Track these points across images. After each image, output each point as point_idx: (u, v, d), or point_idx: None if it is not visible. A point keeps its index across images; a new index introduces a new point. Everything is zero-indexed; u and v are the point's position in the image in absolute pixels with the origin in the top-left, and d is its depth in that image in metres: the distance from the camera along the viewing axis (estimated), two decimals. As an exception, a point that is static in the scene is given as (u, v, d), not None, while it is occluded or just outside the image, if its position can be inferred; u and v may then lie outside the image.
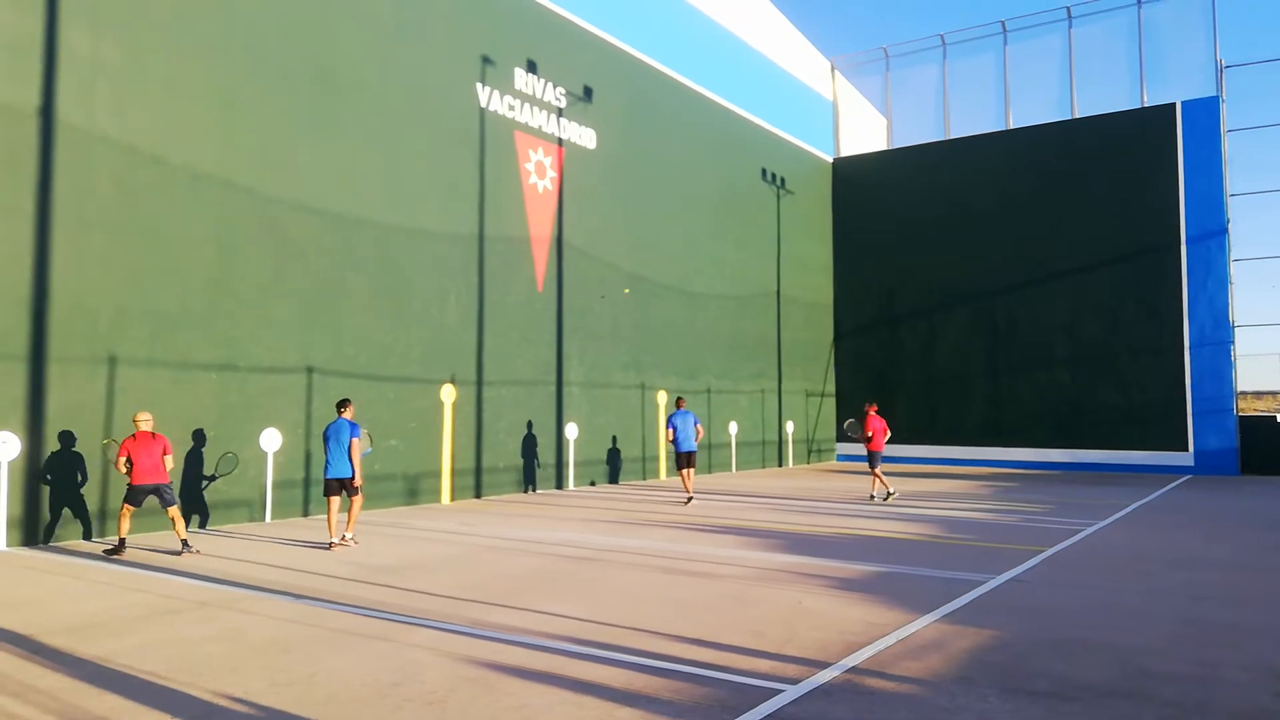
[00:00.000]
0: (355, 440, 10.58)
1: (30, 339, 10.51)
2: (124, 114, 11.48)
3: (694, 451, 15.76)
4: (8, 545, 10.19)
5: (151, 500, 10.07)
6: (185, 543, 9.94)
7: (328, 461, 10.56)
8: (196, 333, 12.12)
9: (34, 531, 10.46)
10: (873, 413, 17.00)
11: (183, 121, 12.11)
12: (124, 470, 9.89)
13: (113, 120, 11.37)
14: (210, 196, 12.38)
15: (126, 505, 9.96)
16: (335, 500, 10.55)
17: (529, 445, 17.59)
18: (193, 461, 12.03)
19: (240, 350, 12.63)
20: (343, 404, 10.87)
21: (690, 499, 15.57)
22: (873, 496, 16.65)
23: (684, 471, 15.77)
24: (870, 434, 16.64)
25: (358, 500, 10.63)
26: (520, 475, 17.45)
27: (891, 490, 16.65)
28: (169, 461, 10.07)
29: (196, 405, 12.08)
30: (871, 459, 16.68)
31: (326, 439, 10.62)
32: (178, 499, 10.39)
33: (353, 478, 10.56)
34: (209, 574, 8.76)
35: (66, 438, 10.76)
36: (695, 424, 15.79)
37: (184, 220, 12.08)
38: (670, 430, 15.70)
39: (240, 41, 12.85)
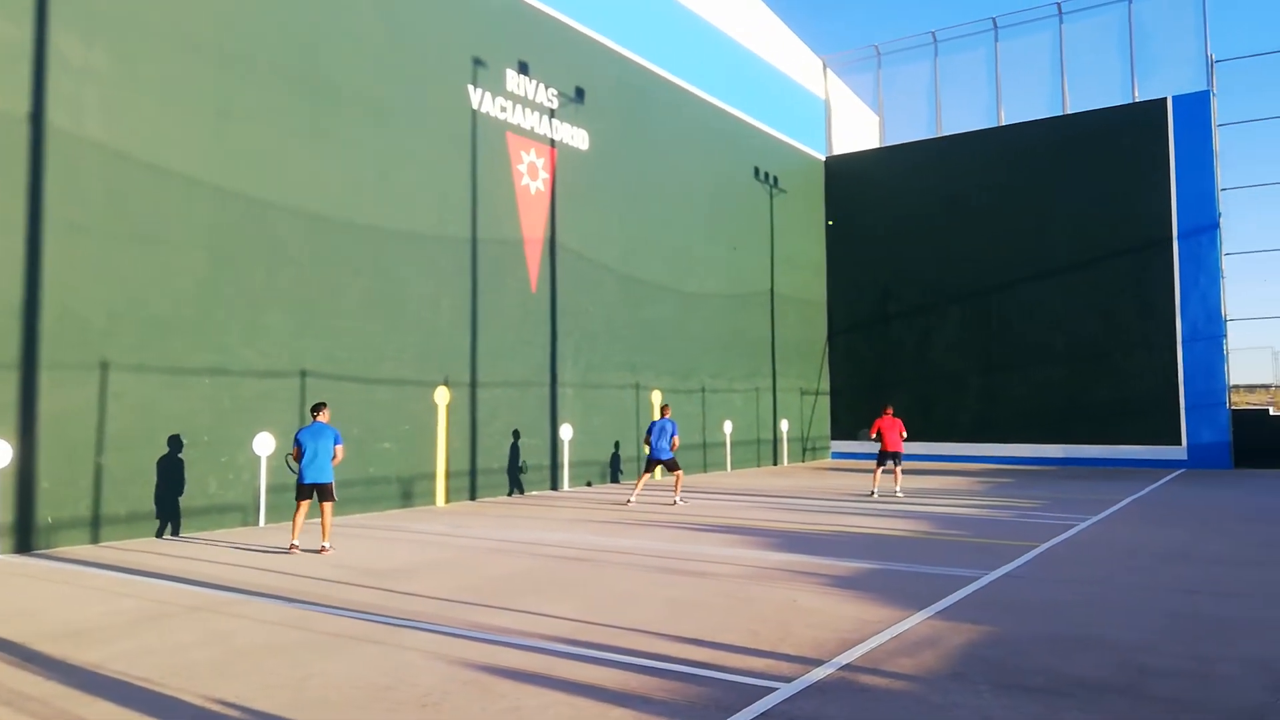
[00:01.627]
0: (339, 447, 10.51)
1: (21, 345, 10.46)
2: (115, 120, 11.45)
3: (661, 460, 15.56)
4: (1, 552, 10.15)
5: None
6: None
7: (303, 465, 10.38)
8: (189, 338, 12.09)
9: (27, 538, 10.41)
10: (888, 414, 17.13)
11: (175, 128, 12.08)
12: None
13: (103, 127, 11.33)
14: (202, 202, 12.35)
15: None
16: (305, 505, 10.45)
17: (514, 451, 17.52)
18: (168, 468, 11.97)
19: (233, 355, 12.60)
20: (318, 407, 10.74)
21: (629, 500, 15.50)
22: (890, 493, 16.72)
23: (646, 476, 15.81)
24: (875, 433, 16.91)
25: (330, 507, 10.50)
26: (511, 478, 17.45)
27: (875, 490, 16.78)
28: None
29: (189, 410, 12.04)
30: (879, 458, 16.91)
31: (301, 443, 10.38)
32: None
33: (330, 484, 10.47)
34: (200, 578, 8.73)
35: (59, 444, 10.71)
36: (673, 434, 15.65)
37: (176, 226, 12.05)
38: (648, 435, 15.73)
39: (233, 48, 12.82)
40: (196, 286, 12.25)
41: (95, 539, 11.01)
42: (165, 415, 11.78)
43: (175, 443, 11.87)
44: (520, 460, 17.57)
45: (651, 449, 15.68)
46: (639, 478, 15.86)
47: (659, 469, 15.94)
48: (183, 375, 12.00)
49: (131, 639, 6.44)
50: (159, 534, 11.72)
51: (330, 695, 5.15)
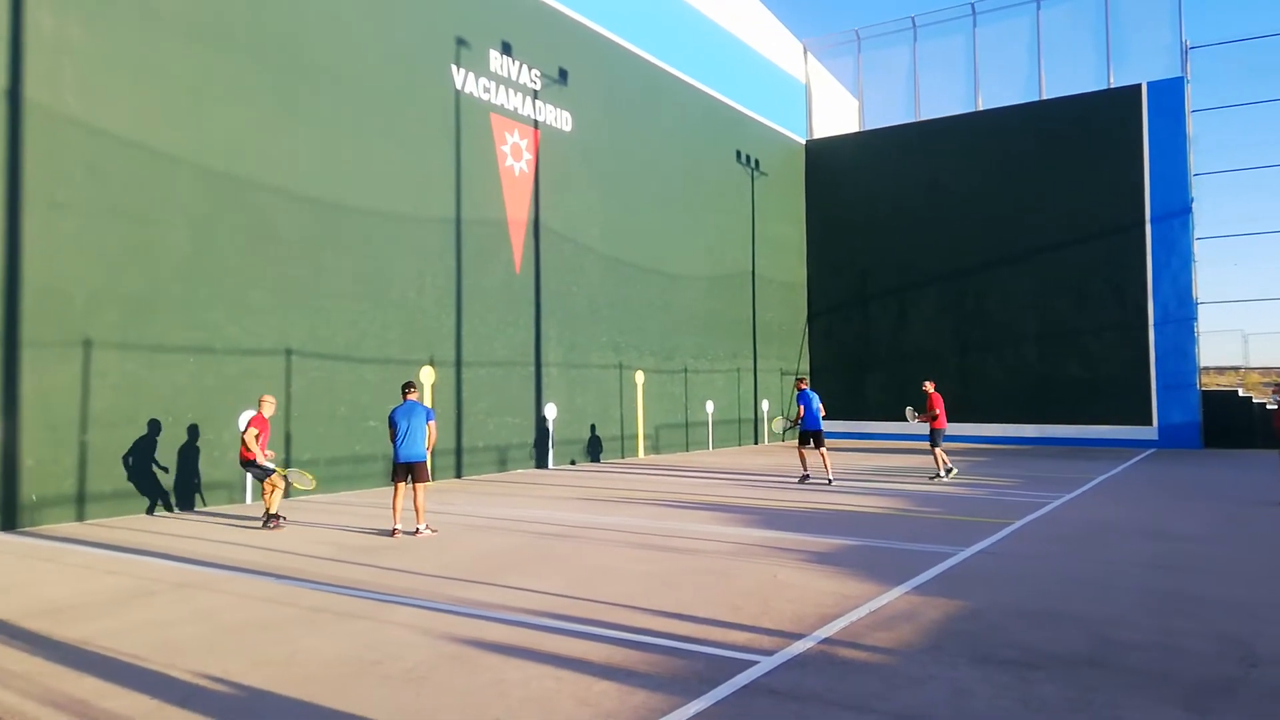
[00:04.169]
0: (433, 424, 10.26)
1: (2, 323, 10.40)
2: (93, 97, 11.34)
3: (820, 430, 15.73)
4: (-18, 531, 10.14)
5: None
6: None
7: (397, 444, 10.11)
8: (171, 316, 12.05)
9: (11, 516, 10.39)
10: (931, 389, 16.57)
11: (153, 104, 11.98)
12: None
13: (81, 103, 11.22)
14: (182, 180, 12.27)
15: None
16: (402, 486, 10.15)
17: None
18: (153, 445, 11.96)
19: (217, 333, 12.57)
20: (409, 386, 10.47)
21: (806, 477, 15.62)
22: (938, 475, 16.15)
23: (820, 450, 15.59)
24: (937, 412, 16.34)
25: (422, 488, 10.15)
26: (498, 455, 17.53)
27: (951, 466, 16.36)
28: (248, 438, 10.46)
29: (174, 388, 12.02)
30: (934, 436, 16.37)
31: (395, 421, 10.15)
32: None
33: (424, 463, 10.18)
34: (186, 555, 8.76)
35: (42, 422, 10.66)
36: (820, 403, 15.99)
37: (156, 203, 11.97)
38: (800, 408, 15.81)
39: (210, 25, 12.69)
40: (179, 264, 12.19)
41: (81, 516, 11.00)
42: (149, 393, 11.75)
43: (159, 421, 11.85)
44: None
45: (807, 419, 15.74)
46: (801, 453, 16.15)
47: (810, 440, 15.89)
48: (167, 353, 11.96)
49: (118, 616, 6.48)
50: (146, 511, 11.72)
51: (318, 670, 5.21)
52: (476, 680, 5.02)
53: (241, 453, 10.77)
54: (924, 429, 16.83)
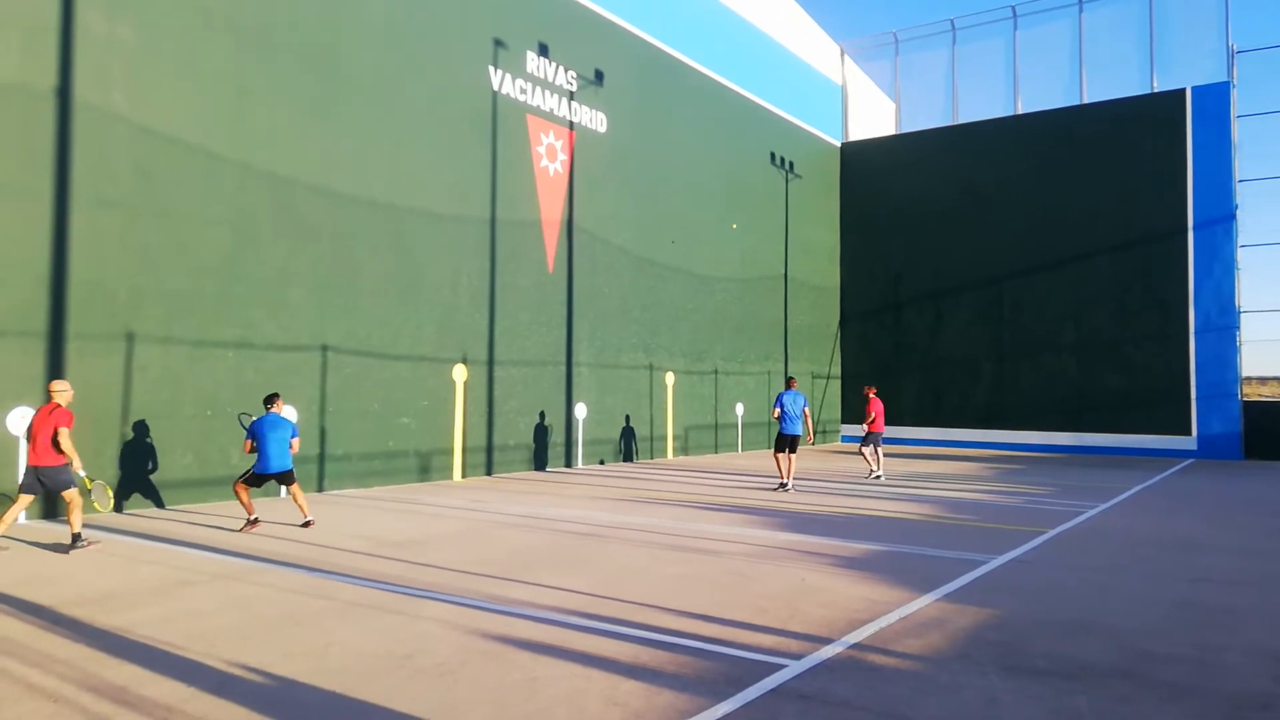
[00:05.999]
0: (295, 440, 10.40)
1: (49, 317, 10.66)
2: (140, 96, 11.58)
3: (798, 435, 14.78)
4: (27, 518, 10.37)
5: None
6: (76, 536, 8.65)
7: (268, 455, 10.09)
8: (213, 311, 12.27)
9: (52, 505, 10.63)
10: (872, 395, 17.59)
11: (198, 104, 12.21)
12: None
13: (129, 102, 11.47)
14: (225, 178, 12.49)
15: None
16: (258, 488, 10.51)
17: (541, 430, 17.92)
18: (192, 438, 12.16)
19: (256, 329, 12.78)
20: (272, 399, 10.42)
21: (784, 485, 14.70)
22: (877, 475, 17.06)
23: (779, 455, 14.78)
24: (873, 415, 17.29)
25: (296, 487, 10.40)
26: (531, 454, 17.63)
27: (878, 471, 17.12)
28: (63, 439, 8.50)
29: (214, 382, 12.25)
30: (867, 438, 17.31)
31: (262, 434, 10.09)
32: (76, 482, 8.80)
33: (291, 469, 10.42)
34: (222, 547, 8.91)
35: (85, 414, 10.88)
36: (804, 406, 14.92)
37: (199, 202, 12.20)
38: (777, 409, 14.85)
39: (253, 26, 12.91)
40: (220, 261, 12.41)
41: (119, 507, 11.22)
42: (190, 387, 11.97)
43: (199, 413, 12.06)
44: (548, 438, 18.04)
45: (784, 422, 14.73)
46: (776, 458, 14.81)
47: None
48: (207, 348, 12.18)
49: (156, 605, 6.61)
50: (182, 503, 11.94)
51: (351, 663, 5.29)
52: (507, 677, 5.07)
53: (46, 458, 8.45)
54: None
